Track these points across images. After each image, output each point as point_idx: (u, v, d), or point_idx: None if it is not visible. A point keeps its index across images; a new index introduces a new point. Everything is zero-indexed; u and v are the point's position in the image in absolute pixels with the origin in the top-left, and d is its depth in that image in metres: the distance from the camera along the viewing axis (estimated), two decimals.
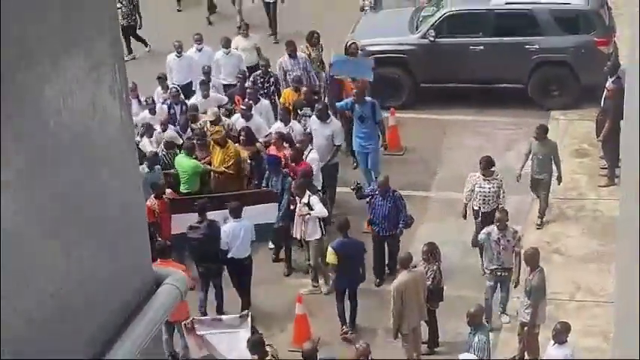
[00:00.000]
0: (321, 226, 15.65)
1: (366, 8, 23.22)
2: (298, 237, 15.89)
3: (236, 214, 14.94)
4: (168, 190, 16.34)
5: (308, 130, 17.84)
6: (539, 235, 16.92)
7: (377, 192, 15.60)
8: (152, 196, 15.66)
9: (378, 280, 15.97)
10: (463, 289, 15.35)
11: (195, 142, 17.23)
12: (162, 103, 19.26)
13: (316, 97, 19.30)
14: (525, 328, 13.79)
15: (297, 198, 15.59)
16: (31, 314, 3.90)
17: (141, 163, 15.83)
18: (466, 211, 16.06)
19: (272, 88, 19.79)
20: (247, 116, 18.22)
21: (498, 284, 14.66)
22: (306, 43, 20.29)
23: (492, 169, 15.81)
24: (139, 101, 19.31)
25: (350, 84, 18.75)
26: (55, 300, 4.07)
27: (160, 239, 14.57)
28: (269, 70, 19.89)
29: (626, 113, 5.41)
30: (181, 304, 12.56)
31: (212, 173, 17.16)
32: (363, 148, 17.97)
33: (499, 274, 14.45)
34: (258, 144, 17.60)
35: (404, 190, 16.85)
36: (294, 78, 19.30)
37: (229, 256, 14.90)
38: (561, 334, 12.54)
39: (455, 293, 15.02)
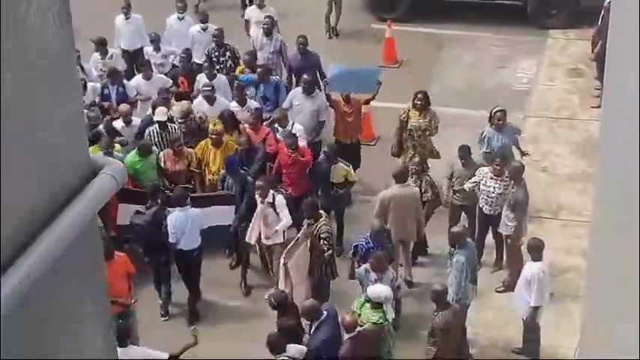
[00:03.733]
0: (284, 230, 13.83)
1: None
2: (252, 242, 14.00)
3: (179, 202, 13.59)
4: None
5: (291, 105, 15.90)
6: (529, 153, 16.81)
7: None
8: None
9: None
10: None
11: (173, 144, 14.84)
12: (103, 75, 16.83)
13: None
14: (509, 241, 13.84)
15: (258, 196, 13.66)
16: None
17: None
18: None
19: (229, 62, 17.40)
20: (211, 98, 15.89)
21: None
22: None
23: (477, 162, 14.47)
24: (82, 68, 16.51)
25: (343, 105, 15.71)
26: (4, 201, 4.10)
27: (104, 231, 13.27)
28: (224, 42, 17.47)
29: (610, 30, 5.37)
30: (122, 284, 12.32)
31: (206, 180, 15.02)
32: None
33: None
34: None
35: (398, 103, 16.74)
36: (261, 64, 16.89)
37: (179, 247, 13.57)
38: (535, 250, 12.57)
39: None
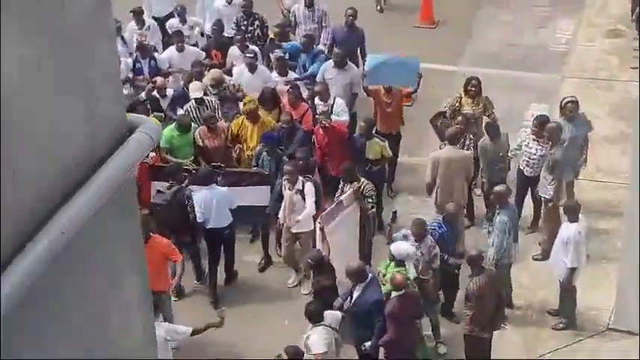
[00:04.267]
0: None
1: None
2: (281, 221, 13.47)
3: (205, 181, 13.27)
4: (151, 154, 13.74)
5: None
6: None
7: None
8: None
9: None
10: None
11: (207, 121, 14.42)
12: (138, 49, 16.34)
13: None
14: (549, 204, 13.73)
15: (286, 184, 13.25)
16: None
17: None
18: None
19: (257, 31, 17.01)
20: (253, 66, 15.48)
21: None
22: None
23: (547, 133, 13.87)
24: (122, 39, 16.52)
25: (383, 95, 14.93)
26: (34, 150, 4.13)
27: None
28: (252, 11, 17.01)
29: None
30: (162, 273, 11.93)
31: (244, 153, 14.57)
32: None
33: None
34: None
35: (432, 63, 16.65)
36: (305, 34, 16.58)
37: (207, 226, 13.28)
38: (571, 212, 12.53)
39: None
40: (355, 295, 11.60)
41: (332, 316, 11.45)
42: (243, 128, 14.44)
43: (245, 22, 16.91)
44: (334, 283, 12.17)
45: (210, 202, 13.12)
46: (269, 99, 14.93)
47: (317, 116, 14.62)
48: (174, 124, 14.46)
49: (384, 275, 11.97)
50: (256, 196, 13.76)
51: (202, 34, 17.65)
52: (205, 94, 15.04)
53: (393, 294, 11.46)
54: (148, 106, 14.94)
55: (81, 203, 4.29)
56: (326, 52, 16.44)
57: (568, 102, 14.20)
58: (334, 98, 14.81)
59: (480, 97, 14.68)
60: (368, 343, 11.65)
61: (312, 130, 14.61)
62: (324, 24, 16.94)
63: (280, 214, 13.38)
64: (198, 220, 13.17)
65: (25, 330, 4.15)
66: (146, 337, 5.38)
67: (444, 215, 12.66)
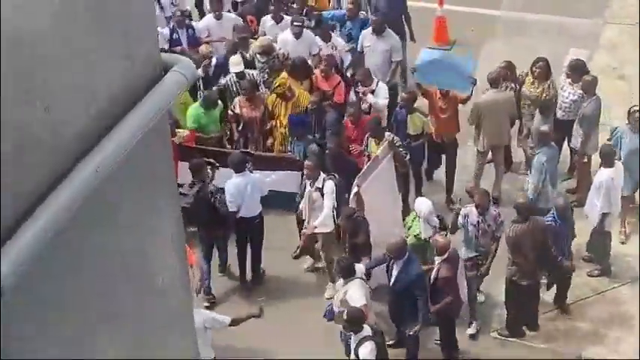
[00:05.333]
0: (334, 216, 12.53)
1: None
2: (306, 219, 12.75)
3: (237, 167, 12.66)
4: (184, 132, 13.81)
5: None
6: (608, 59, 16.68)
7: None
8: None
9: None
10: None
11: (247, 90, 13.99)
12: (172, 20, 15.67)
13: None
14: (576, 156, 13.79)
15: (306, 180, 12.68)
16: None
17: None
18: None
19: None
20: (298, 33, 14.97)
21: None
22: None
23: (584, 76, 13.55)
24: (162, 7, 15.92)
25: (438, 99, 13.89)
26: (69, 87, 4.16)
27: None
28: None
29: None
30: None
31: (277, 130, 14.19)
32: None
33: (478, 262, 12.09)
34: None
35: (473, 7, 16.27)
36: (352, 1, 15.75)
37: (238, 215, 12.73)
38: (606, 157, 12.50)
39: None
40: (395, 272, 11.35)
41: (360, 269, 11.37)
42: (277, 105, 14.07)
43: None
44: (368, 239, 12.00)
45: (244, 189, 12.61)
46: (300, 70, 14.40)
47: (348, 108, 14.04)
48: (199, 101, 14.08)
49: (409, 228, 12.01)
50: (286, 181, 13.50)
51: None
52: (252, 62, 14.65)
53: (437, 259, 11.32)
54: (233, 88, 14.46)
55: (116, 141, 4.29)
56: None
57: (637, 110, 13.03)
58: (377, 82, 14.23)
59: (543, 82, 13.87)
60: (416, 328, 11.31)
61: (344, 102, 14.27)
62: None
63: (301, 208, 12.83)
64: (230, 209, 12.58)
65: (61, 265, 4.17)
66: (181, 279, 5.39)
67: (557, 208, 11.85)
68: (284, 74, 14.22)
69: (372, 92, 14.03)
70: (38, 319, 4.00)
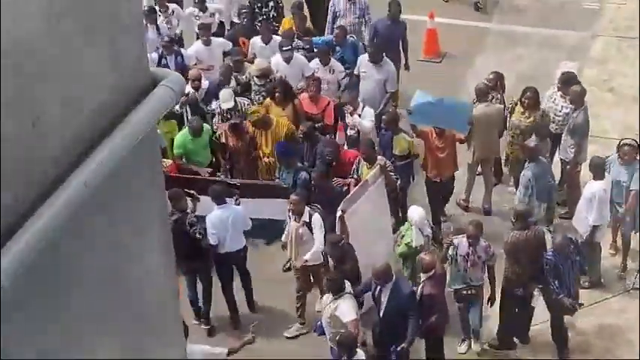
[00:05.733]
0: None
1: None
2: (293, 257, 12.29)
3: (218, 200, 12.08)
4: (168, 161, 13.09)
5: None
6: (597, 73, 16.68)
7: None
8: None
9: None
10: None
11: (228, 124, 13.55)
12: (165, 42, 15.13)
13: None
14: (567, 167, 13.65)
15: (291, 214, 12.10)
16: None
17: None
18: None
19: (272, 13, 16.10)
20: (288, 58, 14.59)
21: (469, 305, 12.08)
22: None
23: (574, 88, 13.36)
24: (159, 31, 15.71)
25: (434, 138, 13.36)
26: (58, 99, 4.14)
27: None
28: None
29: None
30: None
31: (261, 160, 13.71)
32: None
33: (465, 292, 11.82)
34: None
35: (463, 20, 16.32)
36: (338, 25, 15.50)
37: (222, 251, 12.15)
38: (597, 169, 12.45)
39: None
40: (384, 298, 11.02)
41: (349, 284, 11.14)
42: (257, 134, 13.56)
43: (259, 4, 16.09)
44: (356, 266, 11.67)
45: (226, 222, 12.00)
46: (281, 90, 13.87)
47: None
48: (187, 127, 13.64)
49: (402, 237, 11.89)
50: (273, 209, 12.85)
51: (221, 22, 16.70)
52: (247, 84, 14.41)
53: (423, 276, 11.13)
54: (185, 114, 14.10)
55: (103, 156, 4.27)
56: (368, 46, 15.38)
57: (626, 145, 12.67)
58: (363, 107, 13.86)
59: (534, 112, 13.57)
60: (404, 345, 11.05)
61: (334, 126, 14.07)
62: (366, 18, 15.87)
63: (287, 249, 12.29)
64: (212, 242, 12.00)
65: (45, 279, 4.17)
66: (167, 285, 5.41)
67: (554, 245, 11.56)
68: (256, 107, 13.88)
69: (359, 116, 13.77)
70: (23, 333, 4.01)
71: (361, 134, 13.73)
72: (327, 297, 11.13)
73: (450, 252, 11.65)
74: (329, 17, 15.99)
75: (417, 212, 11.91)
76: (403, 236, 11.90)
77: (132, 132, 4.49)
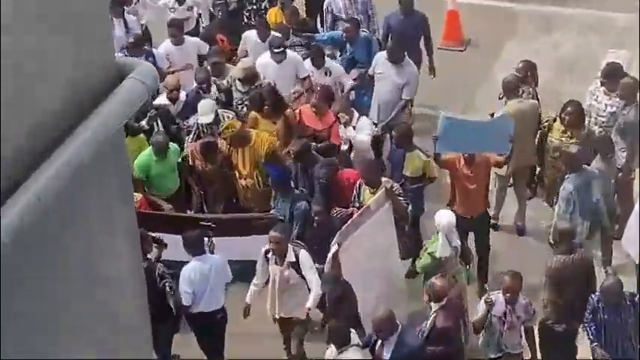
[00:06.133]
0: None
1: None
2: (275, 314, 10.79)
3: (194, 250, 10.52)
4: (137, 195, 11.21)
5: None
6: None
7: None
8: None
9: None
10: None
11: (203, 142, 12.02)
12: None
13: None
14: (619, 175, 12.45)
15: (271, 256, 10.56)
16: None
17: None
18: None
19: (264, 3, 14.90)
20: (279, 60, 13.03)
21: None
22: None
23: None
24: (126, 23, 14.24)
25: (462, 167, 11.68)
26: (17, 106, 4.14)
27: None
28: None
29: None
30: None
31: (238, 185, 12.23)
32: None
33: None
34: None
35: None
36: (349, 18, 14.16)
37: (195, 310, 10.58)
38: None
39: None
40: (386, 354, 9.84)
41: (356, 336, 9.98)
42: (232, 153, 12.06)
43: None
44: (355, 307, 10.48)
45: (206, 277, 10.45)
46: (271, 107, 12.35)
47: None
48: (150, 147, 12.03)
49: (425, 250, 10.86)
50: (257, 248, 10.89)
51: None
52: (229, 90, 12.87)
53: (434, 306, 9.99)
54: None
55: (60, 164, 4.25)
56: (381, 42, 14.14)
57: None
58: (358, 118, 12.76)
59: (578, 130, 12.11)
60: None
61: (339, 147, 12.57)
62: (369, 12, 14.49)
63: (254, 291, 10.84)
64: (184, 302, 10.39)
65: (18, 280, 4.26)
66: (134, 280, 5.51)
67: (605, 299, 10.23)
68: (230, 122, 12.20)
69: (354, 127, 12.59)
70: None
71: (355, 151, 12.53)
72: (331, 350, 10.03)
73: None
74: (326, 16, 14.66)
75: (445, 216, 10.75)
76: (427, 248, 10.87)
77: (93, 134, 4.43)
